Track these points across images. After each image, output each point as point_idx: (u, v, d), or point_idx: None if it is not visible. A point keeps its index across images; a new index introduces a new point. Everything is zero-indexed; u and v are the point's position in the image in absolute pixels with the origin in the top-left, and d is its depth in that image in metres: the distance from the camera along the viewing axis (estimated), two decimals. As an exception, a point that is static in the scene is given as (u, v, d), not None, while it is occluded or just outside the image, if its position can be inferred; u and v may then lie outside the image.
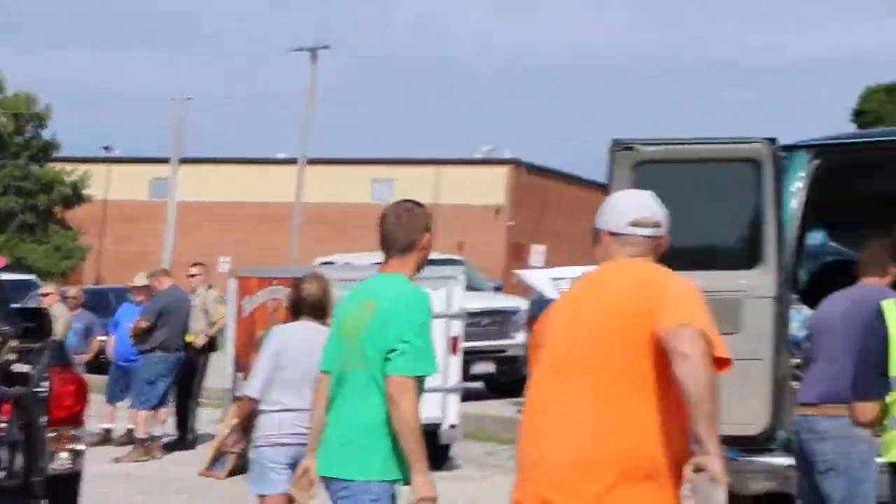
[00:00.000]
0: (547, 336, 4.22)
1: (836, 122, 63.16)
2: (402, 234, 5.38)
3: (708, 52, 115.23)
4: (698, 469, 3.75)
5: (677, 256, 7.77)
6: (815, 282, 9.41)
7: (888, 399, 5.24)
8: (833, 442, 6.71)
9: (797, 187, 7.34)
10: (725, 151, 7.13)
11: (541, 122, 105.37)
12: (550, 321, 4.25)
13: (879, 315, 5.33)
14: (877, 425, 5.37)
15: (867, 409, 5.33)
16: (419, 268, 5.44)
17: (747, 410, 7.05)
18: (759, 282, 7.01)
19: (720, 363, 3.90)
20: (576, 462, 3.97)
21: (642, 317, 3.96)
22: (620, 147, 7.01)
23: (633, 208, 4.25)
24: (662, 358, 3.89)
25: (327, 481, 5.39)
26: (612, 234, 4.23)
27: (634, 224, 4.21)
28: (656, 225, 4.25)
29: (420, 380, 5.29)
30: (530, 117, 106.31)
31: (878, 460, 6.64)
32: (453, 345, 13.22)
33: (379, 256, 5.47)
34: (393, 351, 5.23)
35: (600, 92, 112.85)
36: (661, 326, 3.89)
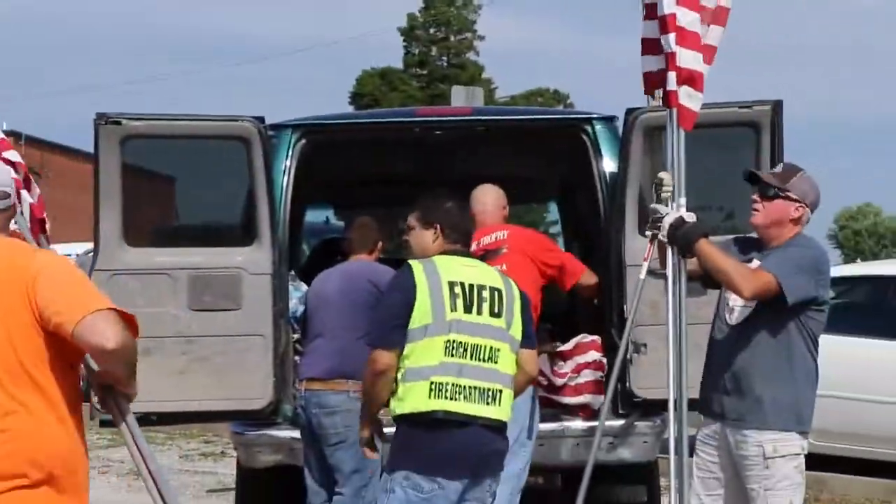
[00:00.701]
0: None
1: (338, 104, 64.65)
2: None
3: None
4: None
5: (179, 233, 7.90)
6: (316, 259, 9.69)
7: (406, 351, 5.37)
8: (342, 416, 6.91)
9: (286, 166, 7.40)
10: (214, 129, 7.08)
11: (40, 93, 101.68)
12: None
13: (408, 271, 5.47)
14: (390, 377, 5.42)
15: (381, 358, 5.40)
16: None
17: (251, 385, 7.07)
18: (255, 258, 7.06)
19: (134, 326, 3.84)
20: None
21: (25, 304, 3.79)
22: (106, 120, 6.83)
23: None
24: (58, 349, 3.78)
25: None
26: None
27: None
28: (4, 196, 4.15)
29: None
30: (28, 87, 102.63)
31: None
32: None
33: None
34: None
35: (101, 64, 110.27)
36: (65, 320, 3.73)
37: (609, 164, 7.47)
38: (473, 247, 6.99)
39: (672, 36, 5.66)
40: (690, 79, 5.73)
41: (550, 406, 7.24)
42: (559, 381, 7.26)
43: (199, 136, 7.12)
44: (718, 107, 7.04)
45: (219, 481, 11.47)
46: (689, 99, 5.75)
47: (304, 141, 7.55)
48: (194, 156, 7.35)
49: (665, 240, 5.72)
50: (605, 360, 7.22)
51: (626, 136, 7.06)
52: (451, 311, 5.38)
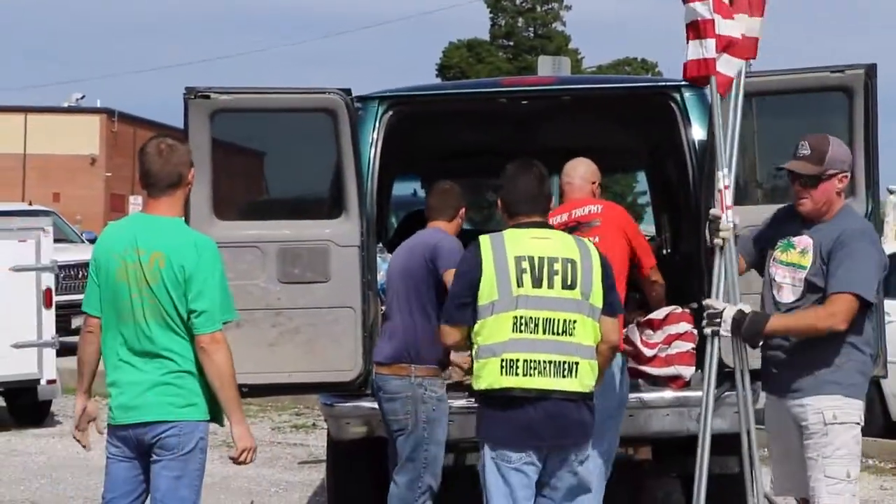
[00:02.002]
0: None
1: (425, 77, 64.81)
2: (167, 169, 5.34)
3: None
4: None
5: (268, 207, 7.95)
6: (403, 231, 9.69)
7: (476, 327, 5.45)
8: (401, 402, 6.87)
9: (373, 138, 7.40)
10: (301, 101, 7.09)
11: (131, 70, 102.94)
12: None
13: (475, 248, 5.52)
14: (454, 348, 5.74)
15: (449, 334, 5.60)
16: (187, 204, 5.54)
17: (341, 357, 7.10)
18: (343, 230, 7.06)
19: None
20: None
21: None
22: (195, 95, 6.85)
23: None
24: None
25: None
26: None
27: None
28: None
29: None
30: (121, 66, 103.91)
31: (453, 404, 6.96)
32: (46, 298, 12.91)
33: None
34: (195, 312, 5.23)
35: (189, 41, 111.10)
36: None
37: (698, 132, 7.38)
38: (565, 217, 6.98)
39: (710, 3, 5.69)
40: (730, 45, 5.76)
41: (639, 377, 7.19)
42: (649, 352, 7.19)
43: (286, 109, 7.14)
44: (810, 72, 6.93)
45: (310, 453, 11.56)
46: (727, 65, 5.77)
47: (390, 112, 7.54)
48: (282, 129, 7.37)
49: (728, 335, 5.75)
50: (696, 332, 7.15)
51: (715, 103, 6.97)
52: (518, 286, 5.42)
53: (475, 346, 5.49)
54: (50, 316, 12.98)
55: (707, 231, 5.96)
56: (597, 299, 5.51)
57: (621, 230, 7.02)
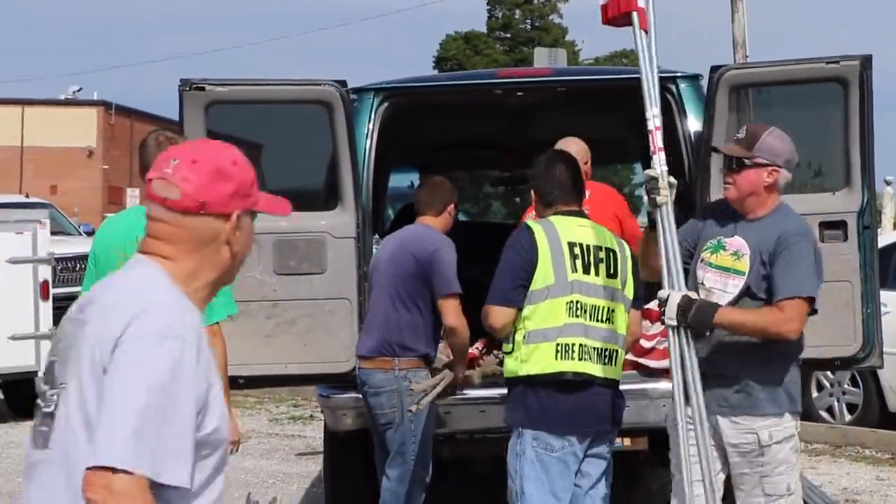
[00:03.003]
0: None
1: (422, 69, 64.79)
2: None
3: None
4: None
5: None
6: (399, 223, 9.68)
7: (526, 312, 5.41)
8: (387, 396, 6.84)
9: (368, 130, 7.38)
10: (296, 93, 7.07)
11: (128, 63, 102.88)
12: None
13: (528, 232, 5.49)
14: (504, 334, 5.49)
15: (502, 316, 5.43)
16: None
17: (337, 348, 7.08)
18: (339, 222, 7.06)
19: None
20: None
21: None
22: (190, 86, 6.84)
23: None
24: None
25: None
26: None
27: None
28: None
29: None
30: (118, 59, 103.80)
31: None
32: (43, 290, 12.93)
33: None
34: None
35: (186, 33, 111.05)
36: None
37: (694, 124, 7.38)
38: None
39: None
40: None
41: (637, 368, 7.19)
42: (647, 344, 7.18)
43: (281, 100, 7.14)
44: (805, 63, 6.93)
45: (308, 445, 11.58)
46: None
47: (386, 104, 7.54)
48: (277, 121, 7.37)
49: (674, 324, 5.16)
50: None
51: (711, 95, 6.97)
52: (573, 272, 5.44)
53: (520, 331, 5.44)
54: (47, 308, 13.00)
55: (645, 195, 5.43)
56: (630, 290, 5.58)
57: (612, 215, 7.00)
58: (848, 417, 11.64)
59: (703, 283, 5.44)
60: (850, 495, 9.46)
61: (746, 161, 5.36)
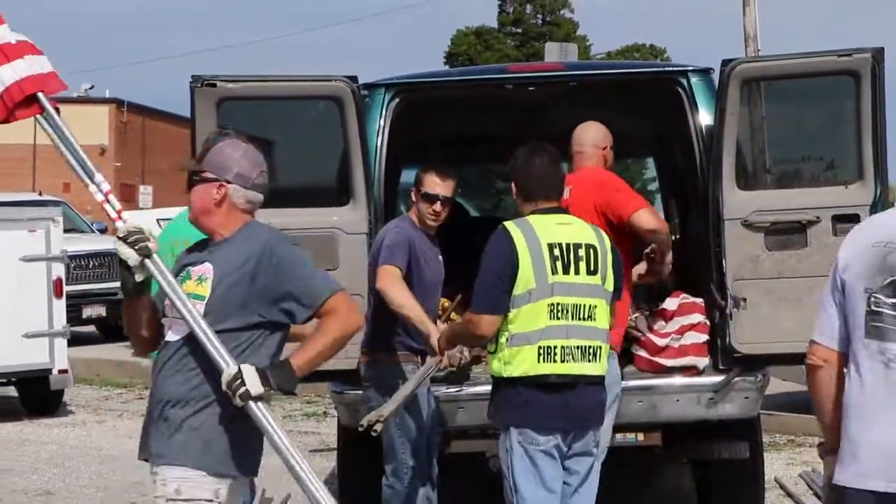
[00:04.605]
0: None
1: (433, 65, 64.81)
2: None
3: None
4: None
5: (275, 194, 7.94)
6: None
7: (510, 316, 5.46)
8: (373, 390, 6.85)
9: (380, 125, 7.39)
10: (307, 89, 7.09)
11: (140, 60, 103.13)
12: None
13: (507, 236, 5.50)
14: (490, 338, 5.54)
15: (489, 324, 5.50)
16: None
17: (349, 345, 7.08)
18: (351, 218, 7.06)
19: None
20: None
21: None
22: (201, 83, 6.85)
23: None
24: None
25: None
26: None
27: None
28: None
29: None
30: (129, 56, 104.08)
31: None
32: (57, 288, 12.96)
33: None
34: None
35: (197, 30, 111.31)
36: None
37: (705, 117, 7.36)
38: None
39: None
40: None
41: (652, 367, 7.16)
42: (661, 342, 7.16)
43: (292, 96, 7.14)
44: (817, 55, 6.92)
45: (321, 441, 11.59)
46: None
47: (397, 100, 7.53)
48: (289, 117, 7.38)
49: (262, 391, 4.44)
50: (708, 323, 7.12)
51: (723, 88, 6.96)
52: (553, 274, 5.46)
53: (504, 334, 5.49)
54: (61, 306, 13.02)
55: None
56: (610, 284, 5.58)
57: (592, 206, 6.66)
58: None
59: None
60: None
61: (196, 175, 4.75)
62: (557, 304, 5.44)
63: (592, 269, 5.50)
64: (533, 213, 5.61)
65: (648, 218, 6.74)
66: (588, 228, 5.64)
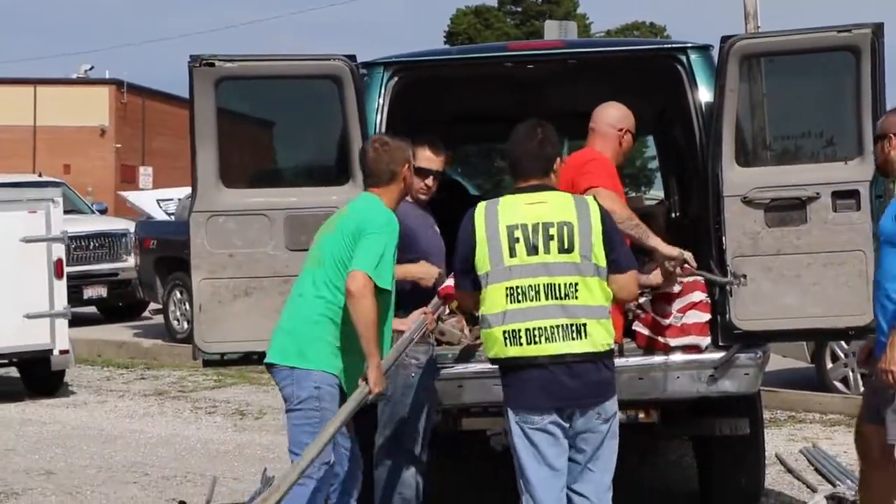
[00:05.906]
0: None
1: (432, 43, 64.67)
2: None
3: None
4: None
5: (275, 174, 7.94)
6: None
7: (481, 296, 5.52)
8: None
9: (379, 104, 7.37)
10: (305, 68, 7.07)
11: (139, 41, 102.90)
12: None
13: (470, 218, 5.58)
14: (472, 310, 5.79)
15: (461, 299, 5.89)
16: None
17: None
18: (350, 197, 6.98)
19: None
20: None
21: None
22: (200, 62, 6.84)
23: None
24: None
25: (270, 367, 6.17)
26: None
27: None
28: None
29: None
30: (129, 36, 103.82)
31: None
32: (58, 269, 12.96)
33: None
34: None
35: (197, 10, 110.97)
36: None
37: (705, 95, 7.34)
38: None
39: None
40: None
41: (655, 347, 7.15)
42: (665, 321, 7.14)
43: (290, 76, 7.12)
44: (816, 31, 6.90)
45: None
46: None
47: (396, 78, 7.51)
48: (287, 96, 7.35)
49: None
50: (709, 302, 7.11)
51: (722, 65, 6.94)
52: (510, 257, 5.48)
53: (481, 314, 5.56)
54: (61, 286, 13.02)
55: None
56: (599, 258, 5.50)
57: (568, 185, 6.51)
58: (863, 388, 11.62)
59: None
60: (865, 465, 9.44)
61: None
62: (518, 286, 5.44)
63: (567, 246, 5.45)
64: (512, 192, 5.64)
65: (602, 200, 6.16)
66: (566, 205, 5.55)
